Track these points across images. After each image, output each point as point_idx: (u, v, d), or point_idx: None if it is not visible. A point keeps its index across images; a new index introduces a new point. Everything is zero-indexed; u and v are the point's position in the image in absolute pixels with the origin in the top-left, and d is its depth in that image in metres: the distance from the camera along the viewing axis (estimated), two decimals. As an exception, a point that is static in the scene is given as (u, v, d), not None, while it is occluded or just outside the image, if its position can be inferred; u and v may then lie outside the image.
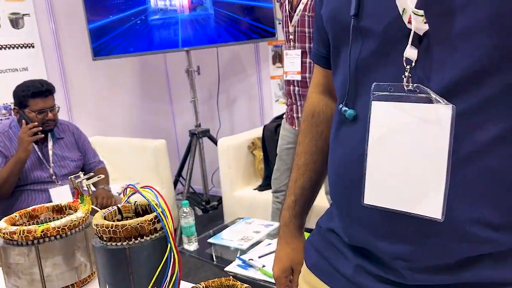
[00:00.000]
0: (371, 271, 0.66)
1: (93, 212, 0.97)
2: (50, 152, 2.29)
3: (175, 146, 4.09)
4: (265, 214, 2.59)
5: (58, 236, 0.85)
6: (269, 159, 2.86)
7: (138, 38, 3.14)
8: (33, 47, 3.06)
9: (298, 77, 2.03)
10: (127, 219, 0.82)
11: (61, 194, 2.27)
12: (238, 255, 1.89)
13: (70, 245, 0.86)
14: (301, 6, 1.98)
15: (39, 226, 0.84)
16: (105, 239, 0.73)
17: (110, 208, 0.80)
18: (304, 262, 0.84)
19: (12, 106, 2.25)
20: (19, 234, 0.83)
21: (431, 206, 0.52)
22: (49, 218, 0.97)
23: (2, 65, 2.92)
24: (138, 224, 0.72)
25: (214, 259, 2.00)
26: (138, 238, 0.73)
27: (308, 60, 2.02)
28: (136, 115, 3.81)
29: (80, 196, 0.94)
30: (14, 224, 0.90)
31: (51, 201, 2.21)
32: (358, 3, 0.61)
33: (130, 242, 0.72)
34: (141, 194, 0.77)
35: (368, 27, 0.60)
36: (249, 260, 1.81)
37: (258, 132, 3.05)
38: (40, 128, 2.14)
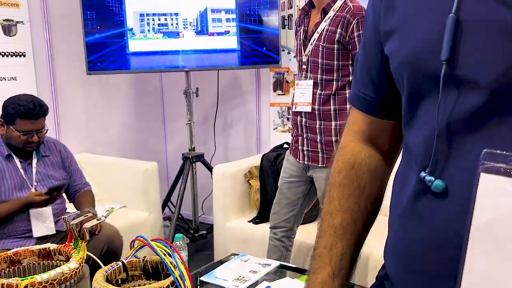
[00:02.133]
0: None
1: (87, 259, 0.82)
2: (34, 171, 2.12)
3: (165, 168, 3.93)
4: (260, 250, 2.44)
5: (44, 293, 0.70)
6: (266, 190, 2.72)
7: (136, 54, 3.01)
8: (24, 56, 2.90)
9: (308, 109, 1.92)
10: (133, 279, 0.68)
11: (42, 215, 2.09)
12: (233, 298, 1.73)
13: (59, 304, 0.71)
14: (315, 36, 1.89)
15: (22, 280, 0.68)
16: (107, 308, 0.58)
17: (113, 264, 0.66)
18: None
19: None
20: (-3, 289, 0.67)
21: None
22: (34, 264, 0.81)
23: (-11, 73, 2.76)
24: (150, 293, 0.57)
25: (206, 300, 1.83)
26: (149, 310, 0.58)
27: (318, 91, 1.91)
28: (127, 134, 3.65)
29: (73, 241, 0.79)
30: (-9, 272, 0.75)
31: (29, 224, 2.04)
32: (452, 44, 0.48)
33: (139, 315, 0.58)
34: (154, 251, 0.63)
35: (469, 76, 0.48)
36: (246, 305, 1.65)
37: (255, 160, 2.92)
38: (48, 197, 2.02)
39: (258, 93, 3.36)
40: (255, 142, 3.43)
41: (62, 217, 0.77)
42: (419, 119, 0.55)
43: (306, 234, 2.48)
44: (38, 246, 0.82)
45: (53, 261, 0.81)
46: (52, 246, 0.82)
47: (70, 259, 0.76)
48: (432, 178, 0.51)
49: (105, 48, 2.97)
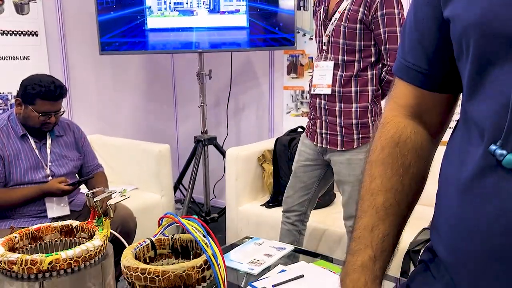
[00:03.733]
0: None
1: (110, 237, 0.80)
2: (48, 151, 2.10)
3: (177, 151, 3.91)
4: (273, 233, 2.42)
5: (69, 270, 0.67)
6: (279, 174, 2.69)
7: (149, 35, 2.97)
8: (36, 35, 2.87)
9: (328, 91, 1.87)
10: (161, 257, 0.65)
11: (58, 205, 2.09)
12: (248, 281, 1.71)
13: (83, 282, 0.68)
14: (337, 15, 1.83)
15: (47, 256, 0.66)
16: (137, 287, 0.56)
17: (142, 241, 0.63)
18: None
19: (14, 97, 2.06)
20: (21, 265, 0.65)
21: None
22: (56, 241, 0.79)
23: (1, 52, 2.73)
24: (184, 272, 0.54)
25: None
26: (182, 289, 0.56)
27: (339, 73, 1.86)
28: (138, 116, 3.63)
29: (97, 218, 0.77)
30: (13, 249, 0.72)
31: (44, 204, 2.03)
32: None
33: (171, 295, 0.55)
34: (185, 228, 0.60)
35: None
36: (262, 288, 1.63)
37: (268, 144, 2.89)
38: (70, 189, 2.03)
39: (272, 76, 3.30)
40: (268, 126, 3.39)
41: (86, 193, 0.75)
42: (488, 88, 0.50)
43: (320, 218, 2.45)
44: (60, 223, 0.79)
45: (75, 238, 0.79)
46: (74, 223, 0.79)
47: (94, 237, 0.73)
48: (504, 152, 0.46)
49: (119, 28, 2.93)
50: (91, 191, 0.75)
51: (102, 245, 0.72)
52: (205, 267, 0.57)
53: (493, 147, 0.48)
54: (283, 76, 3.25)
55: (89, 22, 2.96)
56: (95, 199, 0.73)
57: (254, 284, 1.67)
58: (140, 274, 0.54)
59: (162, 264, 0.66)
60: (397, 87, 0.68)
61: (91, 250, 0.69)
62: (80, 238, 0.78)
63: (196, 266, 0.56)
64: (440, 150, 0.67)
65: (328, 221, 2.47)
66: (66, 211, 2.07)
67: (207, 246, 0.58)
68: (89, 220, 0.78)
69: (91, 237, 0.76)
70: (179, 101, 3.87)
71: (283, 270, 1.79)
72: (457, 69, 0.57)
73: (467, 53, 0.52)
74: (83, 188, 2.31)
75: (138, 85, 3.61)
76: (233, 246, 2.06)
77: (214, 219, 3.23)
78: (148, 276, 0.54)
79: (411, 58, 0.64)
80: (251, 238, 2.13)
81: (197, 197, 3.42)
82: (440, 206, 0.58)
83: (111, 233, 0.78)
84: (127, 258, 0.57)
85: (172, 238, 0.65)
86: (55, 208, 2.06)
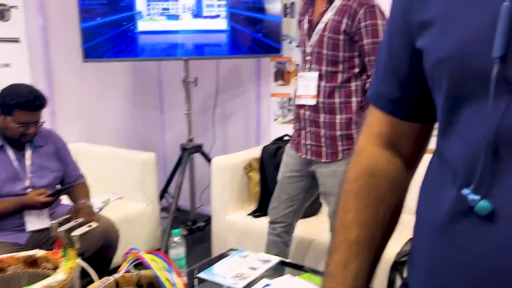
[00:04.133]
0: None
1: (81, 254, 0.76)
2: (28, 162, 2.05)
3: (162, 159, 3.86)
4: (259, 243, 2.39)
5: (29, 308, 0.64)
6: (266, 183, 2.66)
7: (133, 42, 2.93)
8: (18, 41, 2.82)
9: (313, 102, 1.85)
10: (125, 295, 0.62)
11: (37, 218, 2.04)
12: (232, 296, 1.68)
13: (45, 320, 0.65)
14: (321, 25, 1.81)
15: (5, 294, 0.62)
16: (96, 332, 0.53)
17: (104, 280, 0.60)
18: None
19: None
20: (-24, 304, 0.61)
21: None
22: (19, 272, 0.75)
23: (-18, 59, 2.68)
24: (144, 316, 0.51)
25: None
26: (143, 334, 0.53)
27: (323, 83, 1.84)
28: (124, 123, 3.58)
29: (62, 249, 0.73)
30: (-29, 283, 0.69)
31: (22, 217, 1.98)
32: (508, 38, 0.40)
33: None
34: (149, 266, 0.57)
35: None
36: (245, 304, 1.60)
37: (255, 152, 2.86)
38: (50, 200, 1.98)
39: (259, 83, 3.28)
40: (255, 133, 3.36)
41: (50, 222, 0.71)
42: (460, 126, 0.48)
43: (306, 228, 2.43)
44: (24, 253, 0.76)
45: (39, 270, 0.75)
46: (39, 253, 0.76)
47: (58, 270, 0.70)
48: (477, 198, 0.43)
49: (103, 35, 2.89)
50: (58, 220, 0.72)
51: (65, 279, 0.68)
52: (169, 309, 0.54)
53: (465, 191, 0.45)
54: (270, 83, 3.23)
55: (72, 29, 2.92)
56: (59, 230, 0.70)
57: (237, 300, 1.64)
58: (98, 319, 0.52)
59: (127, 303, 0.62)
60: (371, 114, 0.65)
61: (53, 285, 0.66)
62: (45, 270, 0.75)
63: (158, 309, 0.53)
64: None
65: (315, 231, 2.44)
66: (46, 224, 2.03)
67: (172, 286, 0.55)
68: (54, 250, 0.74)
69: (56, 268, 0.73)
70: (165, 108, 3.83)
71: (267, 285, 1.77)
72: (432, 98, 0.55)
73: (440, 87, 0.50)
74: (65, 199, 2.26)
75: (124, 92, 3.57)
76: (217, 259, 2.03)
77: (200, 228, 3.20)
78: (106, 322, 0.51)
79: (384, 84, 0.62)
80: (236, 250, 2.10)
81: (183, 205, 3.38)
82: (416, 241, 0.56)
83: (80, 262, 0.75)
84: (86, 301, 0.54)
85: (137, 274, 0.62)
86: (35, 221, 2.01)
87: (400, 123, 0.61)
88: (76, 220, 0.72)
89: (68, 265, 0.71)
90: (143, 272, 0.62)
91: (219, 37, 2.92)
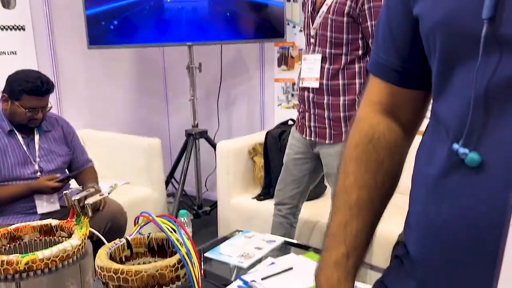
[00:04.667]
0: None
1: (91, 236, 0.80)
2: (37, 146, 2.09)
3: (168, 145, 3.90)
4: (264, 226, 2.42)
5: (46, 270, 0.67)
6: (270, 167, 2.69)
7: (138, 28, 2.95)
8: (24, 29, 2.84)
9: (316, 84, 1.86)
10: (137, 256, 0.65)
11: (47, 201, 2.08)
12: (238, 274, 1.72)
13: (61, 282, 0.68)
14: (324, 8, 1.82)
15: (23, 257, 0.65)
16: (111, 287, 0.56)
17: (117, 241, 0.63)
18: None
19: (1, 92, 2.04)
20: (-3, 266, 0.64)
21: None
22: (35, 240, 0.79)
23: (-12, 47, 2.71)
24: (157, 271, 0.54)
25: (207, 276, 1.82)
26: (155, 289, 0.56)
27: (326, 66, 1.85)
28: (129, 110, 3.61)
29: (76, 217, 0.76)
30: (-9, 249, 0.72)
31: (33, 200, 2.02)
32: (496, 0, 0.43)
33: (145, 294, 0.55)
34: (159, 227, 0.60)
35: None
36: (251, 281, 1.63)
37: (259, 137, 2.88)
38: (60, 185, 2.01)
39: (262, 69, 3.29)
40: (259, 118, 3.38)
41: (64, 192, 0.74)
42: (453, 86, 0.50)
43: (311, 211, 2.46)
44: (39, 222, 0.79)
45: (55, 237, 0.78)
46: (53, 222, 0.79)
47: (72, 236, 0.73)
48: (467, 151, 0.46)
49: (107, 22, 2.91)
50: (70, 191, 0.75)
51: (80, 244, 0.72)
52: (179, 266, 0.57)
53: (456, 145, 0.48)
54: (274, 68, 3.24)
55: (77, 16, 2.94)
56: (73, 198, 0.73)
57: (244, 277, 1.67)
58: (113, 274, 0.54)
59: (139, 263, 0.66)
60: (371, 83, 0.67)
61: (68, 250, 0.69)
62: (59, 237, 0.78)
63: (170, 265, 0.56)
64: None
65: (320, 213, 2.48)
66: (56, 207, 2.07)
67: (181, 245, 0.58)
68: (68, 219, 0.77)
69: (70, 236, 0.76)
70: (170, 94, 3.85)
71: (272, 263, 1.80)
72: (429, 65, 0.57)
73: (435, 51, 0.53)
74: (73, 183, 2.30)
75: (128, 79, 3.59)
76: (223, 239, 2.07)
77: (206, 212, 3.24)
78: (121, 276, 0.54)
79: (384, 54, 0.64)
80: (242, 231, 2.13)
81: (189, 191, 3.42)
82: (412, 202, 0.59)
83: (91, 231, 0.78)
84: (101, 258, 0.57)
85: (148, 237, 0.65)
86: (45, 204, 2.05)
87: (399, 90, 0.63)
88: (88, 189, 0.76)
89: (82, 232, 0.74)
90: (153, 234, 0.66)
91: (222, 22, 2.93)
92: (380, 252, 2.11)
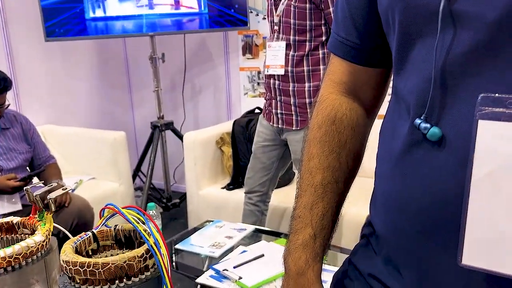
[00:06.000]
0: None
1: (57, 233, 0.78)
2: (-5, 145, 2.01)
3: (133, 137, 3.83)
4: (235, 215, 2.43)
5: (9, 268, 0.65)
6: (239, 156, 2.69)
7: (97, 19, 2.86)
8: (-25, 22, 2.71)
9: (281, 71, 1.87)
10: (104, 249, 0.63)
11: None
12: (210, 264, 1.72)
13: (25, 279, 0.66)
14: (286, -6, 1.82)
15: (-17, 256, 0.63)
16: (78, 281, 0.54)
17: (83, 235, 0.61)
18: None
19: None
20: (-44, 267, 0.62)
21: None
22: (-4, 238, 0.76)
23: None
24: (125, 262, 0.53)
25: (179, 268, 1.81)
26: (124, 280, 0.55)
27: (291, 53, 1.86)
28: (91, 103, 3.52)
29: (38, 213, 0.74)
30: None
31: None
32: None
33: (113, 286, 0.54)
34: (125, 218, 0.58)
35: (469, 11, 0.43)
36: (223, 270, 1.64)
37: (226, 126, 2.88)
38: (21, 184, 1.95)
39: (227, 58, 3.27)
40: (226, 108, 3.37)
41: (25, 188, 0.72)
42: (412, 62, 0.50)
43: (281, 197, 2.48)
44: (0, 220, 0.76)
45: (17, 235, 0.76)
46: (15, 219, 0.76)
47: (36, 232, 0.71)
48: (428, 125, 0.47)
49: (64, 12, 2.81)
50: (31, 186, 0.72)
51: (44, 240, 0.69)
52: (147, 256, 0.56)
53: (418, 121, 0.48)
54: (239, 57, 3.22)
55: (32, 7, 2.82)
56: (34, 194, 0.70)
57: (215, 266, 1.68)
58: (79, 268, 0.53)
59: (106, 256, 0.64)
60: (332, 63, 0.67)
61: (32, 246, 0.67)
62: (22, 235, 0.75)
63: (138, 256, 0.55)
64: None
65: (289, 199, 2.49)
66: (18, 207, 2.01)
67: (149, 235, 0.57)
68: (30, 216, 0.75)
69: (33, 232, 0.73)
70: (133, 86, 3.77)
71: (244, 251, 1.81)
72: (388, 43, 0.58)
73: (394, 27, 0.53)
74: (36, 181, 2.23)
75: (90, 71, 3.49)
76: (194, 230, 2.06)
77: (175, 204, 3.21)
78: (88, 269, 0.53)
79: (343, 32, 0.64)
80: (212, 221, 2.13)
81: (157, 184, 3.38)
82: (377, 179, 0.60)
83: (56, 227, 0.76)
84: (66, 253, 0.56)
85: (114, 229, 0.64)
86: (6, 205, 1.99)
87: (359, 69, 0.64)
88: (50, 184, 0.73)
89: (46, 227, 0.72)
90: (120, 226, 0.64)
91: (184, 11, 2.88)
92: (349, 234, 2.16)
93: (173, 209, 3.20)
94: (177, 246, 1.90)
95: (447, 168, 0.45)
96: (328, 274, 0.76)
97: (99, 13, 2.85)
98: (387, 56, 0.59)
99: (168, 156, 3.27)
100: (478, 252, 0.40)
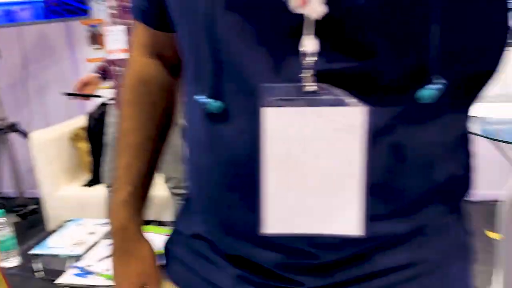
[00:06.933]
0: (258, 282, 0.55)
1: None
2: None
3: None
4: (99, 212, 2.34)
5: None
6: (97, 150, 2.58)
7: None
8: None
9: (123, 55, 1.83)
10: None
11: None
12: (72, 264, 1.64)
13: None
14: (121, -23, 1.78)
15: None
16: None
17: None
18: (160, 277, 0.69)
19: None
20: None
21: (348, 222, 0.45)
22: None
23: None
24: None
25: (41, 272, 1.70)
26: None
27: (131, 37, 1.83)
28: None
29: None
30: None
31: None
32: None
33: None
34: None
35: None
36: (87, 266, 1.58)
37: (80, 121, 2.73)
38: None
39: (72, 50, 3.09)
40: (77, 102, 3.18)
41: None
42: (187, 23, 0.51)
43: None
44: None
45: None
46: None
47: None
48: (207, 100, 0.48)
49: None
50: None
51: None
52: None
53: (196, 96, 0.50)
54: (85, 48, 3.06)
55: None
56: None
57: (77, 264, 1.61)
58: None
59: None
60: (136, 27, 0.69)
61: None
62: None
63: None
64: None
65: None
66: None
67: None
68: None
69: None
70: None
71: (110, 244, 1.77)
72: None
73: None
74: None
75: None
76: (50, 233, 1.94)
77: (34, 211, 2.97)
78: None
79: None
80: (71, 220, 2.03)
81: (7, 192, 3.07)
82: (186, 162, 0.64)
83: None
84: None
85: None
86: None
87: (155, 33, 0.65)
88: None
89: None
90: None
91: (26, 5, 2.64)
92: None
93: (32, 216, 2.96)
94: (33, 251, 1.77)
95: (231, 140, 0.48)
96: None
97: None
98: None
99: (18, 161, 2.99)
100: (277, 221, 0.46)
